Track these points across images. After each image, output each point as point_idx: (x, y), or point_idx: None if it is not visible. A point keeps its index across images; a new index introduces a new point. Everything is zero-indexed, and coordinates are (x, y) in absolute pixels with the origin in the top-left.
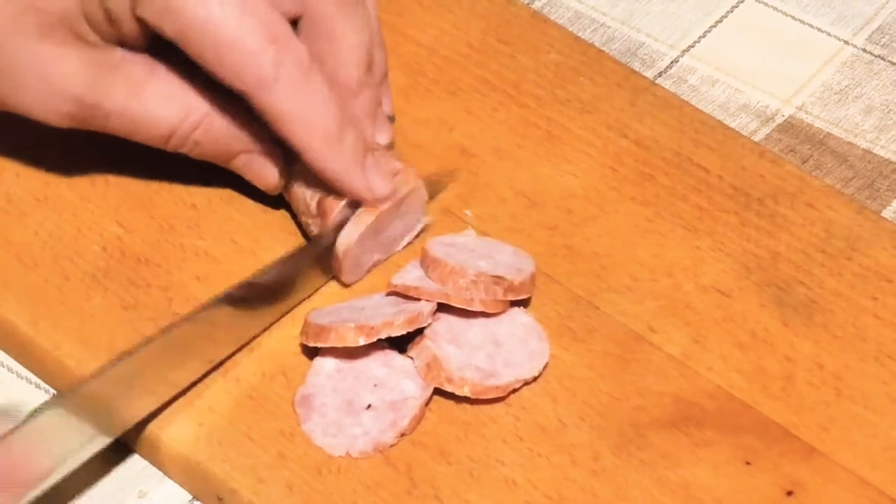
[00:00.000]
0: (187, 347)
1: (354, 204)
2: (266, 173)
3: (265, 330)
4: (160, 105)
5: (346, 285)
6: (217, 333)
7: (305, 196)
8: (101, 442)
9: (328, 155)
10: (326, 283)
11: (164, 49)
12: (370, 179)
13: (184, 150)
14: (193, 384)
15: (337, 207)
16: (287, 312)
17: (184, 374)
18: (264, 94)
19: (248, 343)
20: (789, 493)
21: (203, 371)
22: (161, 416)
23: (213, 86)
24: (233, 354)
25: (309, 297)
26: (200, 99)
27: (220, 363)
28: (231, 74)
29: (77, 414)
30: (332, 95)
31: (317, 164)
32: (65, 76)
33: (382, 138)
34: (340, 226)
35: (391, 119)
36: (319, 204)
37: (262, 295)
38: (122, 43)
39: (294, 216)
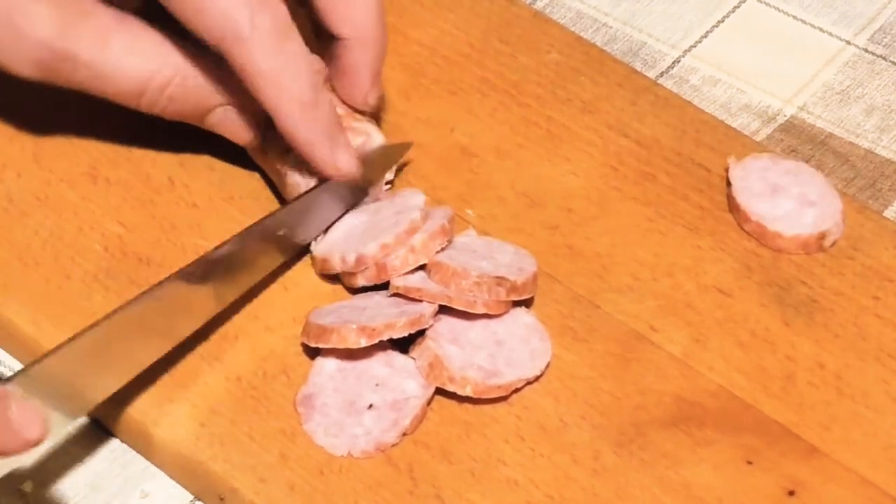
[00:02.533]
0: (147, 324)
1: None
2: (241, 128)
3: (227, 307)
4: (129, 57)
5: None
6: (176, 310)
7: (279, 160)
8: (67, 423)
9: (299, 121)
10: (289, 260)
11: (139, 8)
12: (336, 152)
13: (157, 109)
14: (171, 366)
15: (301, 179)
16: (248, 289)
17: (146, 351)
18: (239, 50)
19: (212, 320)
20: (790, 493)
21: (166, 349)
22: (162, 416)
23: (184, 42)
24: (206, 334)
25: (272, 274)
26: (172, 52)
27: (196, 343)
28: (207, 28)
29: (37, 393)
30: (310, 60)
31: (287, 128)
32: (33, 18)
33: (373, 99)
34: (314, 190)
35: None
36: (293, 168)
37: (218, 271)
38: None
39: (269, 181)
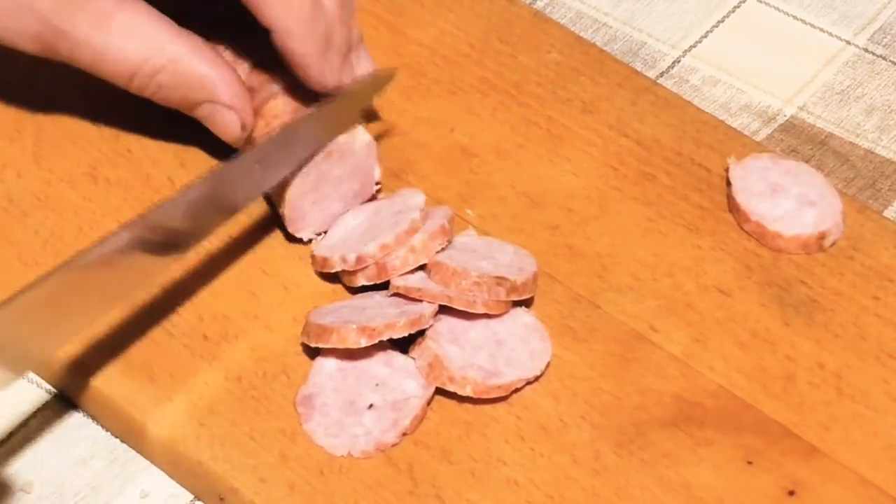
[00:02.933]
0: (94, 280)
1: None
2: (229, 124)
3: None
4: (125, 39)
5: (293, 238)
6: (128, 267)
7: None
8: (11, 380)
9: (298, 37)
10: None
11: None
12: (329, 67)
13: (147, 93)
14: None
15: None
16: (211, 232)
17: (94, 308)
18: None
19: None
20: (791, 493)
21: (109, 309)
22: (162, 416)
23: (182, 32)
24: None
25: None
26: (167, 42)
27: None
28: None
29: None
30: None
31: (286, 43)
32: None
33: (332, 77)
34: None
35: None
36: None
37: (164, 238)
38: None
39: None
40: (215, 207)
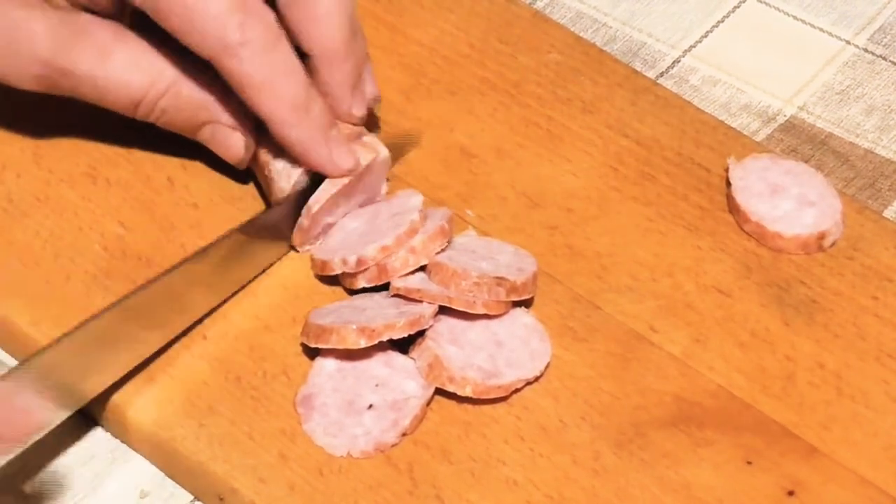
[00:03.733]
0: (141, 319)
1: (313, 173)
2: (232, 145)
3: (225, 301)
4: (128, 71)
5: (296, 249)
6: (171, 305)
7: (268, 164)
8: (60, 416)
9: (293, 124)
10: (286, 254)
11: (132, 18)
12: (333, 151)
13: (151, 119)
14: (156, 356)
15: (295, 175)
16: (246, 284)
17: (140, 346)
18: (230, 59)
19: (209, 314)
20: (790, 493)
21: (162, 343)
22: (162, 416)
23: (180, 54)
24: (195, 325)
25: (269, 266)
26: (168, 66)
27: (184, 333)
28: (197, 40)
29: (31, 387)
30: (299, 65)
31: (281, 133)
32: (31, 37)
33: (358, 110)
34: (299, 194)
35: (376, 100)
36: (280, 172)
37: (219, 263)
38: (90, 9)
39: (259, 188)
40: (233, 261)
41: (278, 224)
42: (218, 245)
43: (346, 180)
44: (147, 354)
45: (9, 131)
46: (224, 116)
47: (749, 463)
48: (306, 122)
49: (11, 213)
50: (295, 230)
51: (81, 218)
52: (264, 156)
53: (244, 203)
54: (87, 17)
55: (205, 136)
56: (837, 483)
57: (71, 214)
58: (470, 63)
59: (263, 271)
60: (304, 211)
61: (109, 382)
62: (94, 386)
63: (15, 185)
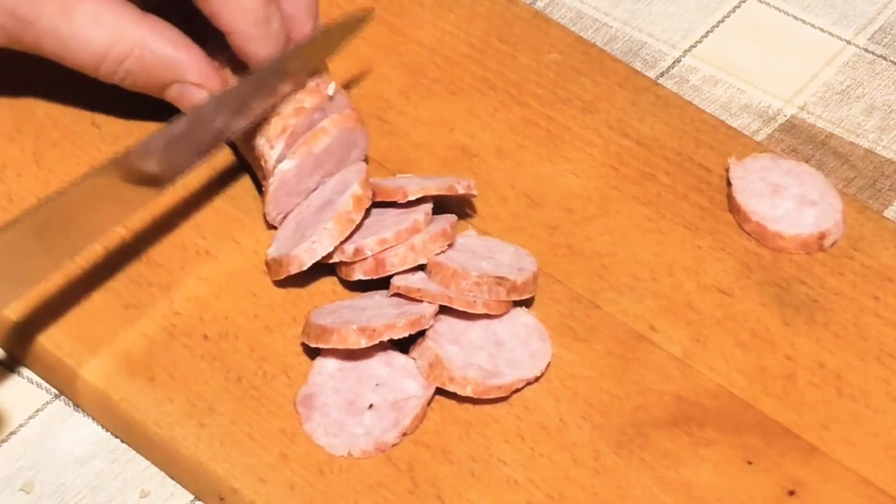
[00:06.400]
0: (76, 214)
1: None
2: (200, 103)
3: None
4: (90, 27)
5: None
6: (109, 198)
7: (255, 142)
8: None
9: (254, 37)
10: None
11: None
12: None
13: (116, 79)
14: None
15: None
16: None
17: (75, 242)
18: None
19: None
20: (791, 493)
21: (95, 239)
22: (162, 416)
23: (146, 16)
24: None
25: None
26: (132, 26)
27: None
28: None
29: None
30: None
31: (244, 46)
32: None
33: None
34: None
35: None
36: (264, 146)
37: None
38: None
39: (240, 157)
40: (193, 144)
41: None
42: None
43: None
44: (78, 252)
45: (9, 131)
46: (191, 74)
47: (749, 463)
48: (266, 36)
49: (12, 212)
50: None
51: None
52: (254, 139)
53: (244, 203)
54: None
55: (172, 94)
56: (837, 483)
57: None
58: (470, 63)
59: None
60: (276, 176)
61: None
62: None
63: (15, 184)
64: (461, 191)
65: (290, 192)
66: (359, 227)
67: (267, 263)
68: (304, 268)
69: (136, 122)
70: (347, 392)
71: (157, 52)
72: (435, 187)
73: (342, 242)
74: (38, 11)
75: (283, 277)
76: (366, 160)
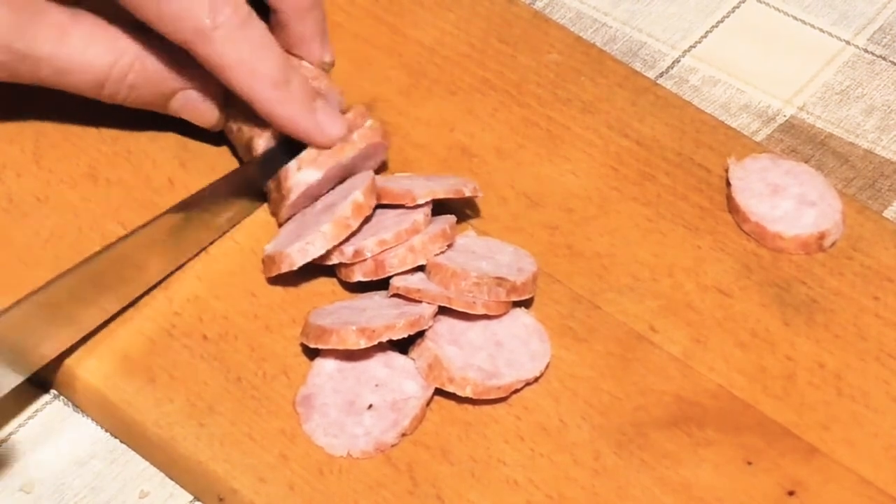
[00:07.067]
0: (98, 283)
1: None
2: (205, 110)
3: (189, 259)
4: (88, 49)
5: (280, 222)
6: (129, 268)
7: (243, 129)
8: (15, 381)
9: (276, 101)
10: (254, 211)
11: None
12: (321, 121)
13: (119, 98)
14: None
15: (266, 134)
16: (216, 239)
17: (97, 311)
18: (205, 45)
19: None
20: (790, 493)
21: (117, 308)
22: (161, 416)
23: (141, 30)
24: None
25: (237, 224)
26: (129, 41)
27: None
28: (170, 28)
29: None
30: (273, 40)
31: (266, 111)
32: None
33: (329, 57)
34: (269, 154)
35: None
36: (252, 131)
37: (175, 227)
38: None
39: (235, 152)
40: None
41: (246, 183)
42: (175, 210)
43: (334, 160)
44: (103, 319)
45: (9, 131)
46: (192, 83)
47: (749, 463)
48: (289, 97)
49: (11, 213)
50: (281, 206)
51: (81, 218)
52: (239, 122)
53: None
54: (41, 1)
55: (176, 105)
56: (837, 483)
57: (71, 215)
58: (470, 63)
59: (223, 234)
60: (284, 178)
61: (65, 347)
62: (48, 351)
63: (15, 184)
64: (468, 193)
65: (306, 198)
66: (358, 230)
67: (262, 259)
68: (294, 267)
69: (136, 122)
70: (347, 392)
71: (158, 63)
72: (443, 190)
73: (339, 245)
74: (33, 41)
75: (274, 275)
76: (384, 166)
